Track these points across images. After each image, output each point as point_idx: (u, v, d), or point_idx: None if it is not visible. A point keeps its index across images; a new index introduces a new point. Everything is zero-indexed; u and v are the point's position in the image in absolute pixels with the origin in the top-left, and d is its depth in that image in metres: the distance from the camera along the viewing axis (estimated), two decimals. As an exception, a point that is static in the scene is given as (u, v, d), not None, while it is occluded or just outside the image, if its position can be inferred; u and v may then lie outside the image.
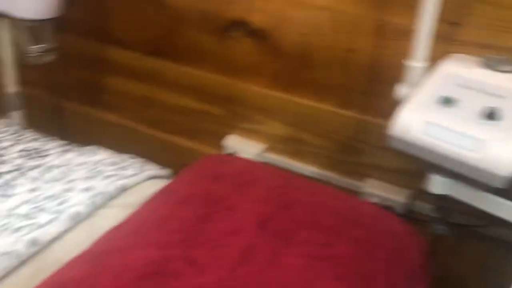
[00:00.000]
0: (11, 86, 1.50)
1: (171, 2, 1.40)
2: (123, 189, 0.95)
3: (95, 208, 0.88)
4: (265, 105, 1.41)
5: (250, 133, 1.48)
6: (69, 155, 1.03)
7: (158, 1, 1.42)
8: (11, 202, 0.86)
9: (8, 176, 0.95)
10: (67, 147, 1.08)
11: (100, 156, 1.05)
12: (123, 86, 1.62)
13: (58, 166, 0.99)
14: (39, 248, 0.78)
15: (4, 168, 0.97)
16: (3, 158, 1.01)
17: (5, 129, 1.13)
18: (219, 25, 1.37)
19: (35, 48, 1.36)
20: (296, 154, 1.43)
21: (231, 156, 0.97)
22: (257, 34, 1.33)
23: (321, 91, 1.31)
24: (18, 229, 0.80)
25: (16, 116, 1.54)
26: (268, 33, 1.31)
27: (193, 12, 1.39)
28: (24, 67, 1.50)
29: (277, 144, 1.45)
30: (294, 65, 1.32)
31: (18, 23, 1.32)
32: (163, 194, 0.81)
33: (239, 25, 1.34)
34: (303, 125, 1.38)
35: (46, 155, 1.03)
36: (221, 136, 1.51)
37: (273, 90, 1.39)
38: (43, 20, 1.30)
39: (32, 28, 1.34)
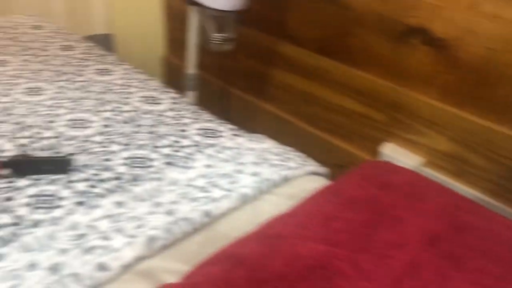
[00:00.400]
0: (191, 68, 1.65)
1: (350, 3, 1.41)
2: (286, 179, 0.99)
3: (260, 193, 0.94)
4: (432, 117, 1.34)
5: (409, 143, 1.43)
6: (240, 140, 1.11)
7: (336, 1, 1.44)
8: (190, 174, 0.96)
9: (188, 150, 1.05)
10: (236, 132, 1.16)
11: (266, 145, 1.10)
12: (288, 80, 1.68)
13: (230, 148, 1.06)
14: (210, 220, 0.86)
15: (186, 142, 1.08)
16: (185, 133, 1.12)
17: (187, 107, 1.25)
18: (396, 30, 1.34)
19: (218, 36, 1.48)
20: (458, 174, 1.35)
21: (398, 165, 0.94)
22: (436, 43, 1.27)
23: (501, 111, 1.21)
24: (195, 199, 0.88)
25: (191, 95, 1.69)
26: (448, 43, 1.25)
27: (370, 15, 1.38)
28: (203, 52, 1.65)
29: (437, 159, 1.38)
30: (472, 80, 1.24)
31: (207, 12, 1.45)
32: (328, 193, 0.83)
33: (418, 32, 1.29)
34: (471, 145, 1.29)
35: (219, 136, 1.12)
36: (378, 142, 1.48)
37: (443, 103, 1.32)
38: (230, 11, 1.40)
39: (218, 18, 1.46)
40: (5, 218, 0.82)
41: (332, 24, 1.49)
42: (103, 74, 1.36)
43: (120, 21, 2.30)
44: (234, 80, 1.86)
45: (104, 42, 2.33)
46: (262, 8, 1.64)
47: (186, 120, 1.18)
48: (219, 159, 1.02)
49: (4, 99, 1.18)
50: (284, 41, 1.65)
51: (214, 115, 1.26)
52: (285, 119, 1.73)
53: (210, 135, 1.12)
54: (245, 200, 0.91)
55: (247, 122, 1.82)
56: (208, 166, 0.99)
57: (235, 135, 1.14)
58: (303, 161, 1.07)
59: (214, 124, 1.18)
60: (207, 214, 0.86)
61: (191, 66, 1.64)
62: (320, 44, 1.55)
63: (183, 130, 1.13)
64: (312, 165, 1.07)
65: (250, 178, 0.95)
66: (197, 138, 1.11)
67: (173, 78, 2.16)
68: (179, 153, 1.04)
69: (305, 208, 0.79)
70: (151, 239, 0.79)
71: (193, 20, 1.55)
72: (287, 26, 1.62)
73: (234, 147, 1.08)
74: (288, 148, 1.13)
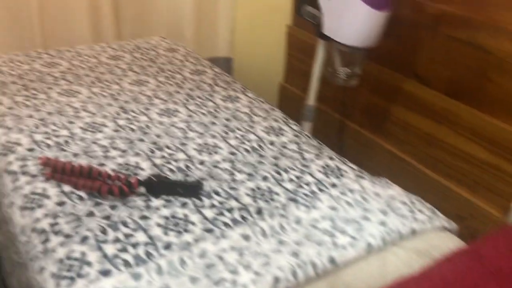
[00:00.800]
0: (311, 100, 1.65)
1: (490, 46, 1.32)
2: (413, 232, 0.94)
3: (386, 244, 0.90)
4: None
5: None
6: (364, 182, 1.08)
7: (474, 43, 1.36)
8: (314, 214, 0.95)
9: (311, 188, 1.04)
10: (359, 172, 1.13)
11: (392, 191, 1.06)
12: (410, 120, 1.61)
13: (354, 191, 1.04)
14: (334, 267, 0.83)
15: (309, 178, 1.07)
16: (308, 169, 1.11)
17: (309, 141, 1.25)
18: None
19: (344, 71, 1.47)
20: None
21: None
22: None
23: None
24: (319, 243, 0.87)
25: (308, 126, 1.69)
26: None
27: (515, 61, 1.28)
28: (323, 83, 1.64)
29: None
30: None
31: (336, 46, 1.44)
32: (468, 258, 0.77)
33: None
34: None
35: (342, 176, 1.10)
36: (509, 197, 1.36)
37: None
38: (361, 48, 1.39)
39: (346, 53, 1.44)
40: (141, 237, 0.87)
41: (467, 67, 1.40)
42: (229, 101, 1.41)
43: (241, 45, 2.39)
44: (352, 113, 1.84)
45: (225, 64, 2.43)
46: (391, 45, 1.60)
47: (308, 155, 1.17)
48: (343, 201, 0.99)
49: (143, 118, 1.27)
50: (409, 80, 1.59)
51: (330, 148, 1.25)
52: (403, 159, 1.66)
53: (332, 174, 1.10)
54: (371, 250, 0.88)
55: (362, 157, 1.78)
56: (333, 208, 0.97)
57: (359, 176, 1.11)
58: (432, 214, 1.01)
59: (336, 162, 1.16)
60: (332, 260, 0.84)
61: (311, 98, 1.64)
62: (451, 86, 1.47)
63: (305, 166, 1.13)
64: (442, 220, 1.00)
65: (377, 227, 0.92)
66: (320, 175, 1.09)
67: (288, 106, 2.18)
68: (302, 190, 1.03)
69: (442, 272, 0.74)
70: (276, 280, 0.79)
71: (320, 53, 1.55)
72: (415, 64, 1.57)
73: (358, 189, 1.05)
74: (415, 197, 1.07)
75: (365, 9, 1.27)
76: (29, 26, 1.82)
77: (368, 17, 1.29)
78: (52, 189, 0.97)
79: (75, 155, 1.09)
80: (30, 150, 1.09)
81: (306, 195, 1.02)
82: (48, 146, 1.11)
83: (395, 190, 1.07)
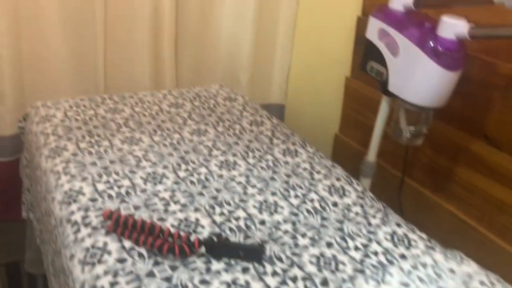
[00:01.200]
0: (372, 156, 1.59)
1: None
2: (495, 319, 0.86)
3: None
4: None
5: None
6: (436, 255, 1.00)
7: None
8: (384, 290, 0.88)
9: (379, 258, 0.98)
10: (429, 243, 1.06)
11: (468, 268, 0.98)
12: (477, 182, 1.52)
13: (426, 265, 0.97)
14: None
15: (376, 247, 1.01)
16: (375, 236, 1.05)
17: (374, 204, 1.19)
18: None
19: (410, 130, 1.41)
20: None
21: None
22: None
23: None
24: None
25: (367, 183, 1.63)
26: None
27: None
28: (384, 137, 1.58)
29: None
30: None
31: (403, 104, 1.39)
32: None
33: None
34: None
35: (411, 246, 1.03)
36: None
37: None
38: (429, 108, 1.33)
39: (413, 112, 1.39)
40: (202, 304, 0.83)
41: (544, 132, 1.32)
42: (289, 155, 1.38)
43: (296, 93, 2.39)
44: (412, 171, 1.76)
45: (277, 111, 2.42)
46: (458, 103, 1.54)
47: (374, 220, 1.11)
48: (415, 276, 0.92)
49: (203, 170, 1.25)
50: (477, 140, 1.51)
51: (388, 205, 1.18)
52: (467, 223, 1.56)
53: (401, 243, 1.04)
54: (450, 338, 0.80)
55: (421, 218, 1.69)
56: (405, 284, 0.90)
57: (429, 247, 1.04)
58: (513, 297, 0.92)
59: (404, 229, 1.09)
60: None
61: (372, 154, 1.59)
62: (524, 151, 1.38)
63: (372, 232, 1.07)
64: (525, 305, 0.91)
65: (455, 311, 0.84)
66: (387, 244, 1.03)
67: (343, 157, 2.13)
68: (370, 260, 0.97)
69: None
70: None
71: (384, 109, 1.51)
72: (484, 125, 1.49)
73: (431, 263, 0.97)
74: (495, 276, 0.98)
75: (437, 69, 1.23)
76: (94, 71, 1.89)
77: (440, 78, 1.24)
78: (113, 244, 0.95)
79: (136, 207, 1.07)
80: (93, 200, 1.08)
81: (374, 266, 0.95)
82: (110, 196, 1.10)
83: (471, 267, 0.99)
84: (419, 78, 1.29)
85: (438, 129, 1.62)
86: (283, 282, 0.89)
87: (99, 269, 0.89)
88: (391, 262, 0.97)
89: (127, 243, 0.96)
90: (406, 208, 1.75)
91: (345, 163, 1.92)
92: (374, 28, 1.40)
